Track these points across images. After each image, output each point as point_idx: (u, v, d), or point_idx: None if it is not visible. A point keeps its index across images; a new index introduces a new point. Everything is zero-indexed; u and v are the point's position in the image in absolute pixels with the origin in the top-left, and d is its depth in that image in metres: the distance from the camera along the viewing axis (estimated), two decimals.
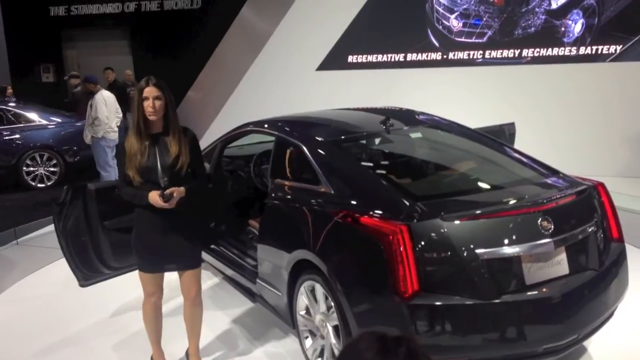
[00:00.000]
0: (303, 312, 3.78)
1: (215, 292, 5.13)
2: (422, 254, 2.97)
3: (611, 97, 9.01)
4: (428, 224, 3.04)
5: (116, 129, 8.14)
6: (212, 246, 5.01)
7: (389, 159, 4.34)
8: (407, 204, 3.19)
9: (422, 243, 2.98)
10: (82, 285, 4.21)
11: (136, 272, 4.50)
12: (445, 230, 3.02)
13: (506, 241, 3.07)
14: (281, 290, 3.90)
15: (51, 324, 4.71)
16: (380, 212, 3.20)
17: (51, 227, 7.09)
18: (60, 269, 5.07)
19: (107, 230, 4.20)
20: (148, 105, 3.35)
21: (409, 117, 4.76)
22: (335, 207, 3.46)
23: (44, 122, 10.21)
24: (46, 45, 14.12)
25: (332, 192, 3.59)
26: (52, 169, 10.03)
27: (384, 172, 3.89)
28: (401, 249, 2.93)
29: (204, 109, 10.85)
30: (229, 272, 4.81)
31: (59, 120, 10.36)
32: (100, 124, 7.83)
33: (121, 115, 8.34)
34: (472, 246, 3.00)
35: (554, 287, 3.12)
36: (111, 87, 10.38)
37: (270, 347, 4.18)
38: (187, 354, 3.90)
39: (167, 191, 3.34)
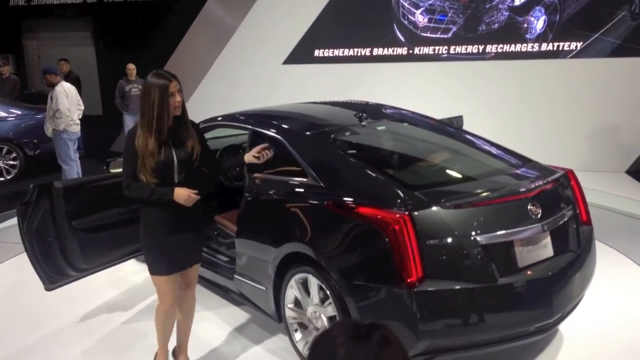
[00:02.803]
0: (292, 306, 3.78)
1: None
2: (425, 241, 3.05)
3: (572, 93, 9.20)
4: (429, 212, 3.13)
5: (78, 121, 7.96)
6: None
7: (371, 150, 4.37)
8: (406, 193, 3.26)
9: (424, 231, 3.06)
10: (47, 289, 4.02)
11: (106, 271, 4.46)
12: (446, 217, 3.13)
13: (501, 226, 3.22)
14: (266, 284, 3.88)
15: (15, 327, 4.50)
16: (377, 202, 3.24)
17: (12, 221, 6.98)
18: (22, 265, 4.93)
19: (75, 230, 4.06)
20: (176, 100, 3.21)
21: (378, 111, 4.82)
22: (328, 199, 3.47)
23: (3, 114, 9.93)
24: (5, 36, 13.78)
25: (322, 184, 3.60)
26: (11, 163, 9.79)
27: (370, 163, 3.90)
28: (405, 237, 3.00)
29: None
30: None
31: (19, 112, 10.11)
32: (62, 117, 7.65)
33: (83, 107, 8.16)
34: (471, 232, 3.13)
35: (543, 269, 3.31)
36: (66, 79, 10.14)
37: (254, 343, 4.09)
38: (173, 352, 3.80)
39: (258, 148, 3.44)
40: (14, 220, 6.98)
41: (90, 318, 4.60)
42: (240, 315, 4.53)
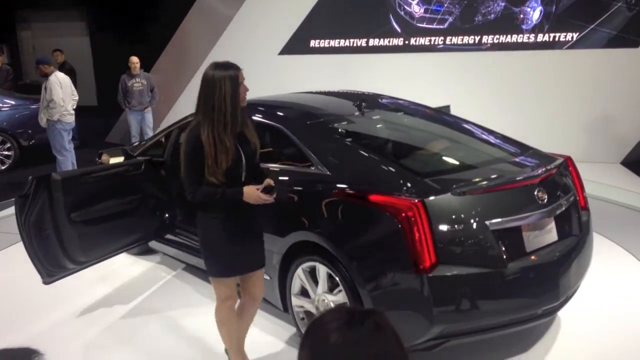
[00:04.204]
0: (298, 294, 3.79)
1: (179, 286, 4.98)
2: (437, 227, 3.09)
3: (568, 84, 9.18)
4: (440, 198, 3.17)
5: (72, 111, 7.93)
6: (170, 236, 4.92)
7: (375, 139, 4.37)
8: (417, 180, 3.30)
9: (436, 217, 3.09)
10: (46, 283, 3.98)
11: (102, 264, 4.45)
12: (457, 204, 3.18)
13: (510, 212, 3.29)
14: (270, 274, 3.87)
15: (12, 320, 4.42)
16: (389, 189, 3.25)
17: (6, 211, 6.96)
18: (17, 255, 4.90)
19: (74, 223, 4.03)
20: (244, 90, 3.12)
21: (377, 100, 4.85)
22: (337, 187, 3.48)
23: None
24: None
25: (328, 173, 3.59)
26: (6, 153, 9.76)
27: (376, 151, 3.93)
28: (419, 224, 3.04)
29: (163, 93, 10.63)
30: (194, 260, 4.76)
31: (13, 102, 10.06)
32: (56, 107, 7.62)
33: (77, 97, 8.13)
34: (481, 218, 3.18)
35: (549, 253, 3.40)
36: (60, 70, 10.09)
37: (260, 333, 4.02)
38: (226, 350, 3.66)
39: (266, 182, 3.11)
40: (8, 211, 6.97)
41: (88, 312, 4.53)
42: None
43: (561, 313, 3.83)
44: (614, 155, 9.18)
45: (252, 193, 3.09)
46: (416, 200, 3.08)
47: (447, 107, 6.05)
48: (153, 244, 5.12)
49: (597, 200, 6.63)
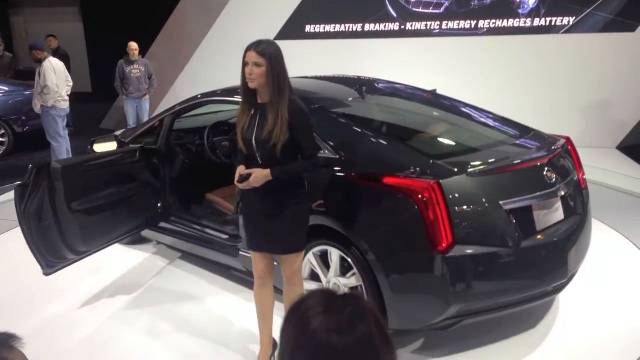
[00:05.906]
0: (308, 279, 3.80)
1: (177, 274, 4.93)
2: (453, 208, 3.12)
3: (564, 69, 9.17)
4: (455, 180, 3.20)
5: (67, 97, 7.85)
6: (164, 224, 4.89)
7: (380, 122, 4.35)
8: (431, 162, 3.33)
9: (452, 198, 3.13)
10: (46, 274, 3.93)
11: (99, 253, 4.42)
12: (471, 185, 3.22)
13: (522, 192, 3.36)
14: (277, 259, 3.86)
15: (11, 310, 4.33)
16: (404, 171, 3.27)
17: (1, 198, 6.93)
18: (15, 243, 4.84)
19: (75, 212, 3.99)
20: (247, 71, 3.13)
21: (375, 85, 4.85)
22: (347, 171, 3.49)
23: None
24: None
25: (337, 156, 3.58)
26: (0, 140, 9.70)
27: (386, 134, 3.93)
28: (435, 205, 3.07)
29: (158, 79, 10.57)
30: (186, 246, 4.75)
31: (7, 88, 9.97)
32: (50, 93, 7.56)
33: (71, 83, 8.06)
34: (495, 198, 3.24)
35: (557, 231, 3.49)
36: (54, 55, 10.00)
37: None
38: None
39: (244, 172, 3.12)
40: (2, 198, 6.97)
41: (89, 302, 4.44)
42: (247, 293, 4.39)
43: (561, 295, 3.90)
44: (610, 140, 9.20)
45: (236, 172, 3.18)
46: (432, 182, 3.11)
47: (434, 91, 6.03)
48: (146, 232, 5.09)
49: (593, 185, 6.62)
